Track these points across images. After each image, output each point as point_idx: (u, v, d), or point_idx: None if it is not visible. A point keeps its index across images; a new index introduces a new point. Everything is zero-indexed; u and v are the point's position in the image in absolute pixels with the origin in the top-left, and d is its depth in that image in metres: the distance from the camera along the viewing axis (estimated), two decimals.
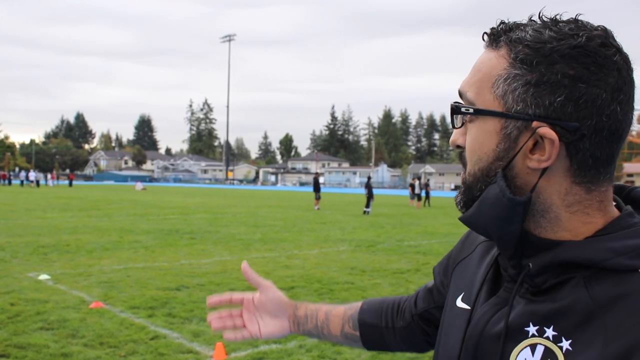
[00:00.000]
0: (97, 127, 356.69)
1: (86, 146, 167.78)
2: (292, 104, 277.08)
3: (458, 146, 0.98)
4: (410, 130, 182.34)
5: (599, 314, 0.84)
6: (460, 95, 0.96)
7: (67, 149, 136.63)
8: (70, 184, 66.24)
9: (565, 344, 0.86)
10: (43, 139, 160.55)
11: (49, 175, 74.13)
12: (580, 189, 0.90)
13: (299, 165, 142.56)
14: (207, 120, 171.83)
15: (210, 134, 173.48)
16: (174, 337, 6.53)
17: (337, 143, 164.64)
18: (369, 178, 31.61)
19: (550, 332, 0.88)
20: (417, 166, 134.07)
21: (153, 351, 6.03)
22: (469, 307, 1.04)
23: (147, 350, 6.07)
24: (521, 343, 0.90)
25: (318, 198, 31.82)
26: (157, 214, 25.03)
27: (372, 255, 13.31)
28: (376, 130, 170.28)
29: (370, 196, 28.86)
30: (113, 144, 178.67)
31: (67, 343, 6.22)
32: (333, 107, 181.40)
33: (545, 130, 0.86)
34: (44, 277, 9.72)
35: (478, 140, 0.93)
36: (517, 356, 0.90)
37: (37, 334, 6.53)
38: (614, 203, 0.96)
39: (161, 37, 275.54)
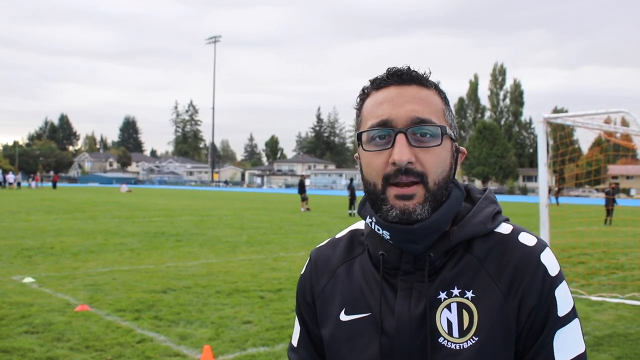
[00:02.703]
0: (82, 128, 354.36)
1: (70, 148, 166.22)
2: (277, 106, 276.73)
3: (409, 162, 1.17)
4: None
5: (482, 265, 1.22)
6: (424, 121, 1.19)
7: (51, 151, 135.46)
8: (54, 186, 65.67)
9: (469, 294, 1.21)
10: (27, 141, 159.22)
11: (30, 178, 73.27)
12: None
13: (284, 167, 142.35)
14: (193, 122, 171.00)
15: (196, 136, 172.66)
16: (160, 340, 6.49)
17: (323, 145, 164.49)
18: (352, 180, 31.91)
19: (456, 291, 1.21)
20: None
21: (140, 354, 5.99)
22: (365, 314, 1.27)
23: (133, 353, 6.03)
24: (439, 307, 1.21)
25: (304, 200, 31.81)
26: (143, 217, 24.90)
27: None
28: None
29: (353, 198, 29.01)
30: (98, 146, 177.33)
31: (52, 347, 6.16)
32: (319, 109, 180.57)
33: (463, 148, 1.29)
34: (28, 280, 9.63)
35: (442, 157, 1.21)
36: (439, 318, 1.21)
37: (22, 337, 6.47)
38: None
39: (145, 37, 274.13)
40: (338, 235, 1.43)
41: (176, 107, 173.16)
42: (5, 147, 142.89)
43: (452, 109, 1.29)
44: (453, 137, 1.25)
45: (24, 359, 5.79)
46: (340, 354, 1.30)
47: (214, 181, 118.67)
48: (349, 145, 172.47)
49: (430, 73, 1.26)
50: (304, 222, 23.81)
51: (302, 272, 1.45)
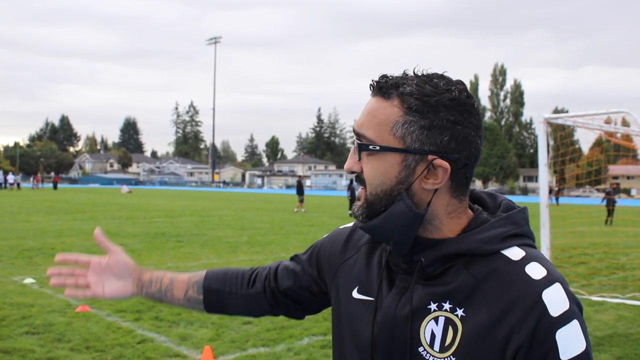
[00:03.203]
0: (82, 129, 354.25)
1: (71, 149, 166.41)
2: (278, 106, 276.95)
3: (353, 172, 1.23)
4: None
5: (479, 287, 1.18)
6: (358, 134, 1.22)
7: (51, 152, 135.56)
8: (55, 187, 65.65)
9: (460, 312, 1.18)
10: (27, 142, 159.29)
11: (32, 178, 73.30)
12: (456, 201, 1.24)
13: (285, 167, 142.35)
14: (193, 123, 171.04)
15: (196, 137, 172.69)
16: (161, 341, 6.50)
17: (323, 145, 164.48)
18: (352, 181, 31.74)
19: (447, 306, 1.19)
20: None
21: (140, 355, 6.00)
22: (371, 298, 1.31)
23: (134, 354, 6.03)
24: (426, 317, 1.20)
25: (301, 201, 31.71)
26: (144, 217, 24.90)
27: None
28: None
29: (352, 199, 28.92)
30: (98, 147, 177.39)
31: (53, 347, 6.17)
32: (319, 110, 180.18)
33: (440, 162, 1.18)
34: (29, 281, 9.64)
35: (380, 169, 1.20)
36: (424, 328, 1.20)
37: (23, 338, 6.47)
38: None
39: (146, 38, 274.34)
40: None
41: (177, 108, 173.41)
42: (6, 148, 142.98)
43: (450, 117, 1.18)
44: (411, 150, 1.18)
45: None
46: (341, 329, 1.37)
47: (214, 182, 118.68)
48: (349, 145, 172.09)
49: (402, 82, 1.20)
50: (304, 222, 23.81)
51: (339, 229, 1.54)
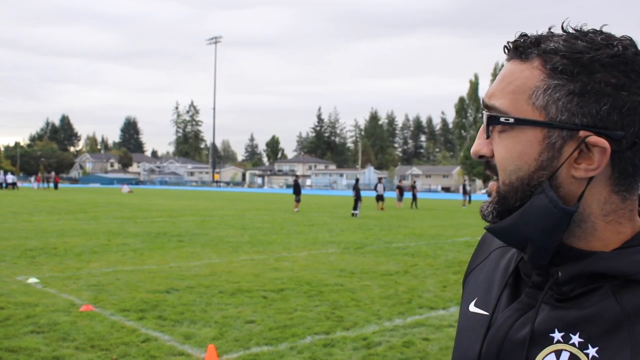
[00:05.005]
0: (83, 129, 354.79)
1: (72, 149, 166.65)
2: (278, 106, 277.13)
3: (481, 156, 0.96)
4: (397, 132, 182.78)
5: (627, 323, 0.85)
6: (487, 106, 0.95)
7: (52, 152, 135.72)
8: (56, 187, 65.71)
9: (592, 351, 0.86)
10: (28, 142, 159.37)
11: (32, 178, 73.31)
12: (617, 198, 0.91)
13: (285, 167, 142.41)
14: (194, 123, 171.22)
15: (197, 136, 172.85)
16: (165, 340, 6.55)
17: (323, 145, 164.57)
18: (357, 180, 31.59)
19: (576, 339, 0.88)
20: (403, 168, 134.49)
21: (145, 354, 6.05)
22: (486, 313, 1.04)
23: (138, 353, 6.09)
24: (546, 349, 0.90)
25: (298, 201, 31.54)
26: (145, 217, 24.96)
27: (360, 257, 13.37)
28: (363, 132, 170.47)
29: (358, 198, 28.91)
30: (99, 147, 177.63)
31: (58, 346, 6.22)
32: (319, 109, 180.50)
33: (596, 139, 0.87)
34: (32, 280, 9.69)
35: (516, 150, 0.92)
36: None
37: (28, 337, 6.53)
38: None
39: (146, 38, 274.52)
40: None
41: (177, 108, 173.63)
42: (7, 148, 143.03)
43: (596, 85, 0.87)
44: (556, 124, 0.89)
45: (30, 359, 5.85)
46: (454, 344, 1.12)
47: (214, 181, 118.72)
48: (350, 145, 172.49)
49: (544, 39, 0.92)
50: (305, 222, 23.86)
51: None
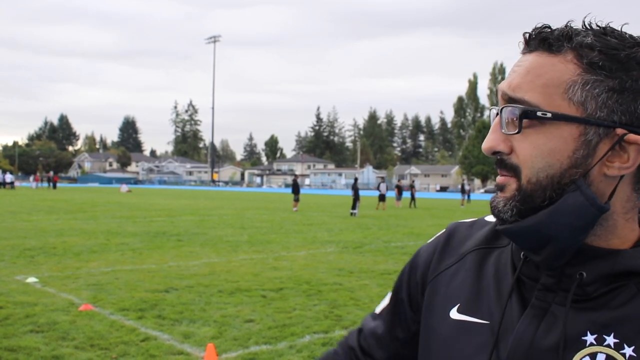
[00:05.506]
0: (81, 128, 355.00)
1: (70, 148, 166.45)
2: (277, 106, 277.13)
3: (495, 152, 0.92)
4: (396, 131, 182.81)
5: None
6: (512, 99, 0.90)
7: (50, 151, 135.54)
8: (55, 186, 65.66)
9: (628, 351, 0.84)
10: (26, 141, 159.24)
11: (31, 177, 73.26)
12: (636, 196, 0.91)
13: (284, 166, 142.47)
14: (192, 122, 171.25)
15: (195, 136, 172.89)
16: (164, 339, 6.56)
17: (322, 144, 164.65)
18: (356, 179, 31.57)
19: (611, 340, 0.86)
20: (402, 167, 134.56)
21: (144, 353, 6.07)
22: (483, 321, 0.98)
23: (138, 352, 6.10)
24: (579, 352, 0.87)
25: (297, 200, 31.50)
26: (144, 216, 24.97)
27: (359, 256, 13.39)
28: (361, 132, 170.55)
29: (356, 198, 28.92)
30: (97, 146, 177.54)
31: (57, 345, 6.23)
32: (318, 109, 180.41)
33: (635, 137, 0.85)
34: (31, 280, 9.70)
35: (547, 147, 0.88)
36: None
37: (28, 336, 6.54)
38: None
39: (145, 37, 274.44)
40: (489, 217, 1.10)
41: (176, 107, 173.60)
42: (5, 147, 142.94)
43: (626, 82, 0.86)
44: (595, 121, 0.86)
45: (30, 358, 5.86)
46: (433, 357, 1.04)
47: (213, 181, 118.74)
48: (349, 144, 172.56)
49: (576, 33, 0.89)
50: (304, 221, 23.87)
51: (426, 243, 1.18)
